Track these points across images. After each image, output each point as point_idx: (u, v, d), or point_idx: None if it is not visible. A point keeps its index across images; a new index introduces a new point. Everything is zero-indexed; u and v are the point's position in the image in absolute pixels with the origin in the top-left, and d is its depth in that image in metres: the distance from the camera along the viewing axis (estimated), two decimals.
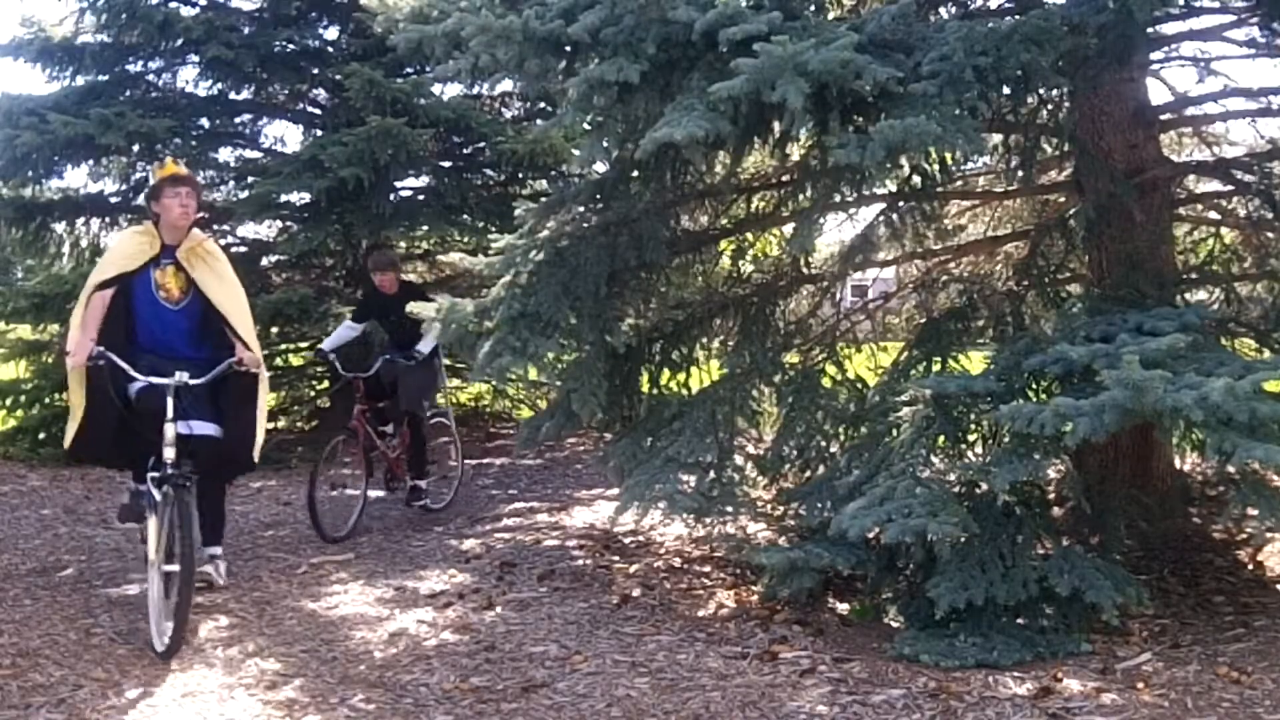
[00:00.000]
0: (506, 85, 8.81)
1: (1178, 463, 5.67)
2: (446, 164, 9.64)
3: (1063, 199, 5.72)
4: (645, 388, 5.59)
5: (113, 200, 9.75)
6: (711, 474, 4.76)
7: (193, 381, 4.27)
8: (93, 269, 4.83)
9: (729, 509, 4.60)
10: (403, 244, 10.12)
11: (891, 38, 4.04)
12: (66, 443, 4.65)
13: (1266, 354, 4.86)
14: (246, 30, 8.97)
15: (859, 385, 5.35)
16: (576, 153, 4.81)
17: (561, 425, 5.17)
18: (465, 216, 9.30)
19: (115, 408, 4.38)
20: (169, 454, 4.19)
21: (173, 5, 8.80)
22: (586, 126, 4.49)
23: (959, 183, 6.02)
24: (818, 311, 6.00)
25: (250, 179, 9.52)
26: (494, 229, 8.77)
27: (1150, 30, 4.35)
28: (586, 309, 4.94)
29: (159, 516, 4.16)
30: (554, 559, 5.41)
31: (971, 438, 4.47)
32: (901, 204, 5.50)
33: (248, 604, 4.71)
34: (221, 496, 4.97)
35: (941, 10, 5.02)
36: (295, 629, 4.37)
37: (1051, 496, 4.90)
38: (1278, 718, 3.20)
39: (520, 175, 9.84)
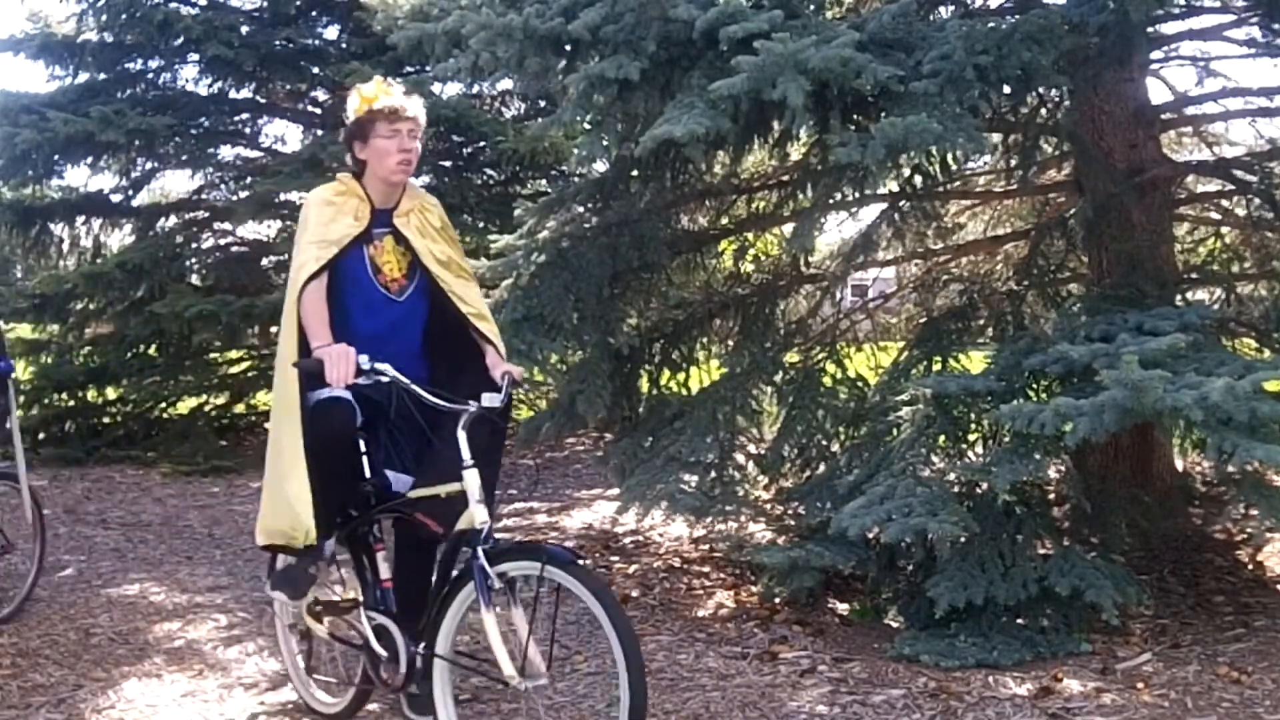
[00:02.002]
0: (507, 84, 8.79)
1: (1178, 462, 5.67)
2: (446, 163, 9.64)
3: (1063, 199, 5.71)
4: (646, 388, 5.59)
5: (113, 199, 9.76)
6: (712, 473, 4.75)
7: (495, 403, 2.89)
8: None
9: (730, 508, 4.60)
10: None
11: (892, 36, 4.03)
12: (298, 527, 2.95)
13: (1267, 354, 4.85)
14: (246, 29, 8.97)
15: (859, 385, 5.35)
16: (577, 151, 4.80)
17: (562, 425, 5.18)
18: (465, 216, 9.31)
19: (356, 452, 3.06)
20: (480, 516, 2.78)
21: (173, 4, 8.81)
22: (586, 125, 4.48)
23: (959, 182, 6.01)
24: (818, 311, 6.00)
25: (250, 178, 9.53)
26: (494, 229, 8.77)
27: (1150, 30, 4.35)
28: (590, 310, 4.94)
29: (492, 610, 2.75)
30: None
31: (972, 437, 4.46)
32: (902, 203, 5.50)
33: (247, 604, 4.71)
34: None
35: (942, 9, 5.01)
36: None
37: (1051, 496, 4.90)
38: (1278, 718, 3.20)
39: (520, 175, 9.85)
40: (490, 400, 2.87)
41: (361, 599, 3.19)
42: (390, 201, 3.20)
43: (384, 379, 2.82)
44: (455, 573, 2.96)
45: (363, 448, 3.08)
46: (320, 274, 3.01)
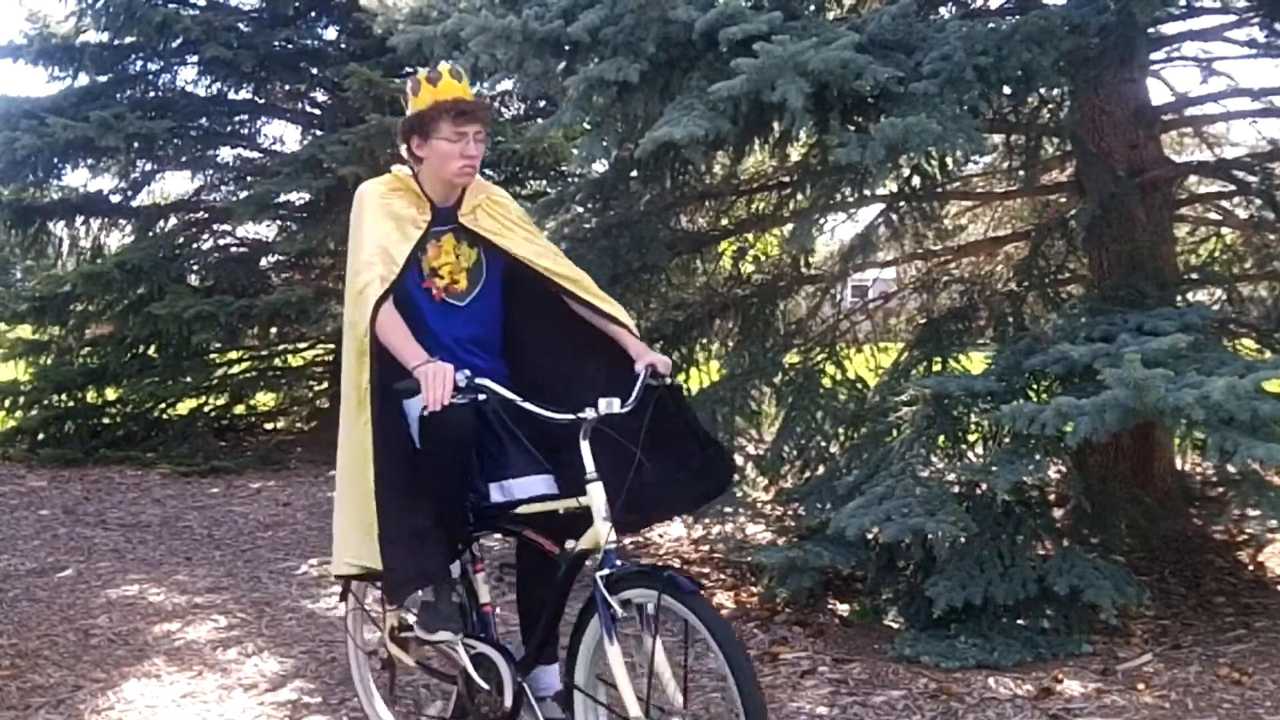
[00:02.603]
0: (506, 85, 8.80)
1: (1179, 462, 5.67)
2: None
3: (1063, 199, 5.71)
4: None
5: (112, 200, 9.76)
6: None
7: (619, 410, 2.59)
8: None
9: (729, 509, 4.60)
10: None
11: (892, 37, 4.03)
12: (371, 560, 2.77)
13: (1268, 354, 4.85)
14: (245, 30, 8.97)
15: (859, 385, 5.34)
16: (576, 152, 4.80)
17: None
18: None
19: (458, 473, 2.78)
20: (604, 533, 2.54)
21: (172, 5, 8.80)
22: (586, 126, 4.48)
23: (959, 183, 6.02)
24: (818, 311, 6.00)
25: (249, 179, 9.52)
26: None
27: (1151, 30, 4.35)
28: None
29: (615, 641, 2.56)
30: None
31: (972, 438, 4.47)
32: (902, 204, 5.49)
33: (247, 605, 4.70)
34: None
35: (942, 10, 5.01)
36: (294, 630, 4.36)
37: (1051, 496, 4.90)
38: (1278, 719, 3.20)
39: (520, 175, 9.84)
40: (608, 407, 2.55)
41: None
42: (452, 198, 2.88)
43: (483, 396, 2.58)
44: (564, 588, 2.74)
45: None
46: (389, 294, 2.70)
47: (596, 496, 2.54)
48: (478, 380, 2.57)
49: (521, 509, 2.78)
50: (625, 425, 2.62)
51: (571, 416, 2.56)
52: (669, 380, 2.74)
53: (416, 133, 2.81)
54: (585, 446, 2.55)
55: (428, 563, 2.79)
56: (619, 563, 2.54)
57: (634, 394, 2.63)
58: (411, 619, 2.93)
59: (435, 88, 2.77)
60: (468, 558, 2.96)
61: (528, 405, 2.59)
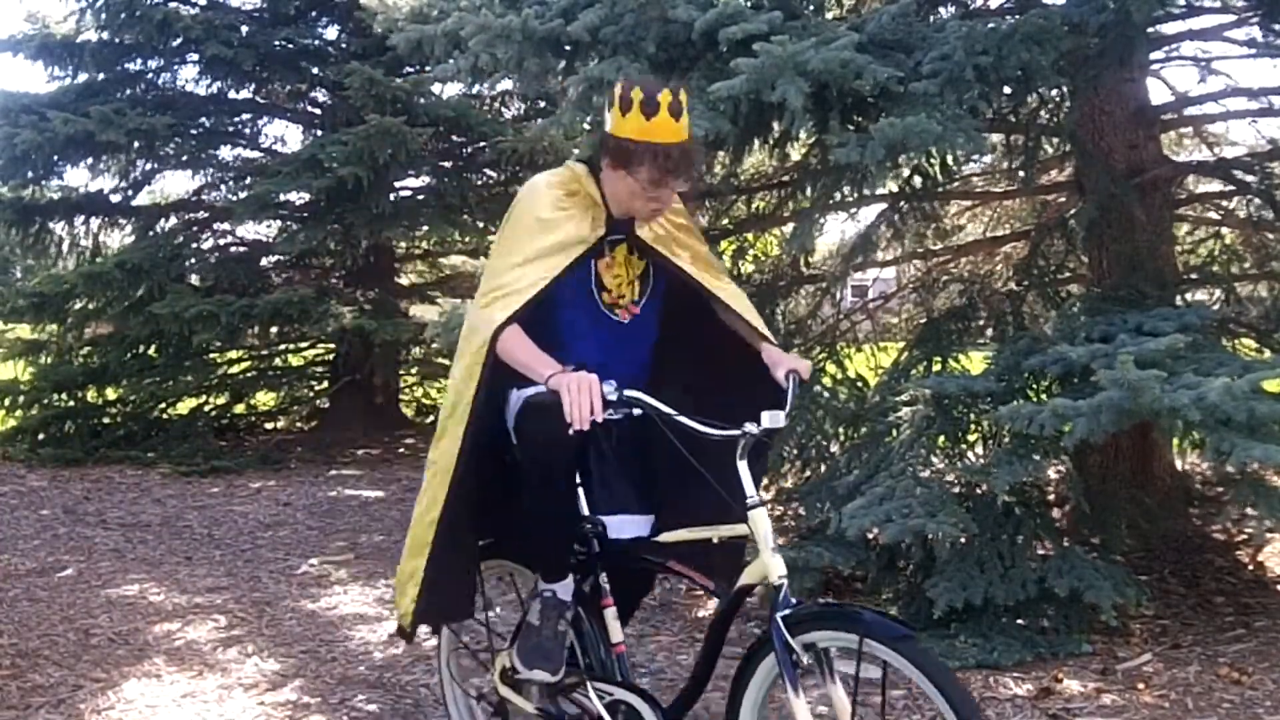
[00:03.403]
0: (506, 84, 8.82)
1: (1178, 463, 5.67)
2: (446, 163, 9.65)
3: (1063, 199, 5.71)
4: None
5: (113, 199, 9.76)
6: None
7: (779, 423, 2.32)
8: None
9: None
10: (402, 244, 10.13)
11: (891, 37, 4.03)
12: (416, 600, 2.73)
13: (1267, 354, 4.85)
14: (246, 29, 8.98)
15: (859, 385, 5.34)
16: (576, 152, 4.80)
17: None
18: (465, 216, 9.32)
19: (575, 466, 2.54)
20: (776, 569, 2.23)
21: (172, 4, 8.81)
22: (586, 126, 4.48)
23: (959, 183, 6.01)
24: (818, 312, 6.00)
25: (250, 178, 9.53)
26: (494, 229, 8.77)
27: (1150, 30, 4.34)
28: None
29: (800, 693, 2.27)
30: None
31: (971, 438, 4.46)
32: (902, 204, 5.49)
33: (247, 605, 4.71)
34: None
35: (941, 10, 5.01)
36: (295, 630, 4.36)
37: (1051, 496, 4.90)
38: (1278, 719, 3.20)
39: (520, 175, 9.84)
40: (773, 420, 2.29)
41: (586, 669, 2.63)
42: (624, 210, 2.58)
43: (637, 411, 2.30)
44: (722, 630, 2.43)
45: (575, 479, 2.57)
46: (516, 318, 2.42)
47: (761, 524, 2.24)
48: (628, 392, 2.26)
49: (665, 536, 2.50)
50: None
51: (734, 431, 2.26)
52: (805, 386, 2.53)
53: (612, 156, 2.46)
54: (744, 468, 2.26)
55: (454, 604, 2.69)
56: (795, 600, 2.22)
57: (788, 402, 2.41)
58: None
59: (647, 123, 2.38)
60: (600, 593, 2.59)
61: (685, 419, 2.27)
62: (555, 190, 2.56)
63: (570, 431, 2.18)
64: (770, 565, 2.23)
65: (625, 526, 2.61)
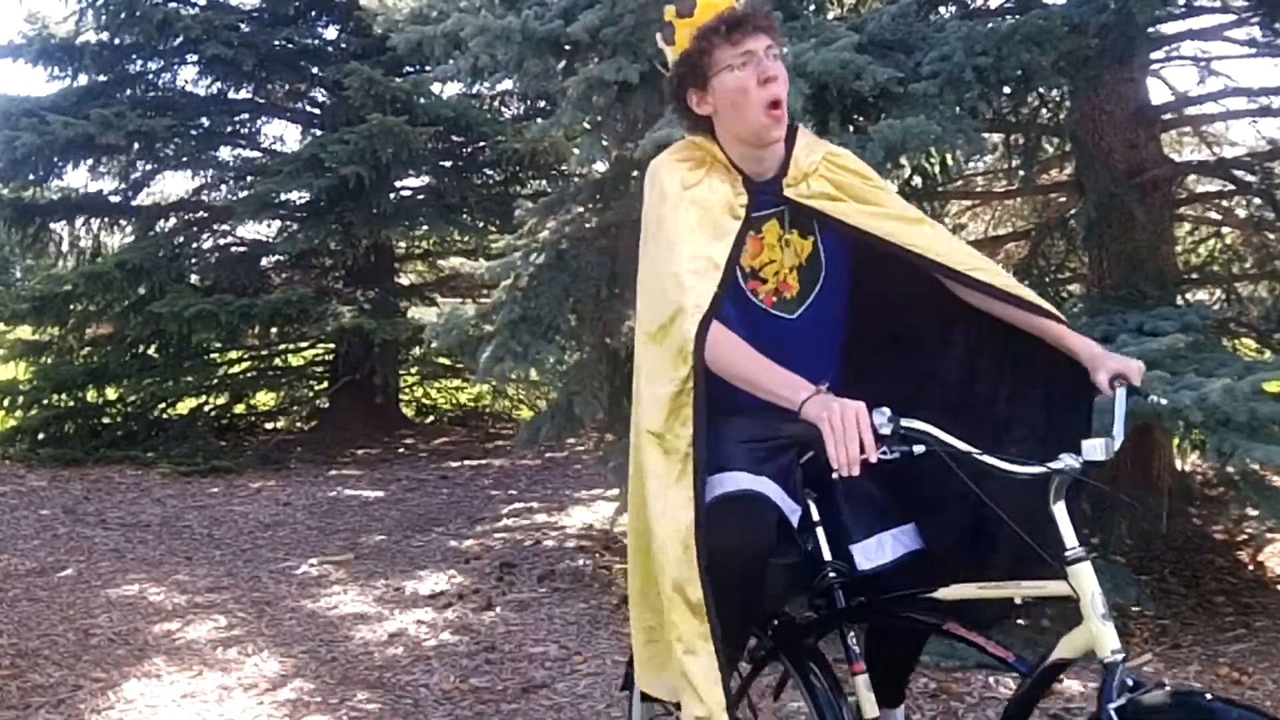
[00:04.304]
0: (506, 84, 8.83)
1: (1179, 463, 5.66)
2: (446, 163, 9.66)
3: (1063, 199, 5.71)
4: None
5: (113, 200, 9.77)
6: None
7: (1101, 455, 1.78)
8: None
9: None
10: (402, 244, 10.13)
11: (891, 38, 4.03)
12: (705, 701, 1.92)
13: (1267, 354, 4.85)
14: (246, 29, 8.98)
15: None
16: (576, 152, 4.80)
17: (562, 427, 5.17)
18: (465, 216, 9.32)
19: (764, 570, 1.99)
20: (1107, 642, 1.80)
21: (172, 4, 8.82)
22: (586, 126, 4.49)
23: (959, 183, 6.01)
24: None
25: (250, 178, 9.53)
26: (494, 229, 8.79)
27: (1151, 30, 4.34)
28: (587, 312, 4.94)
29: None
30: (554, 559, 5.40)
31: None
32: None
33: (247, 604, 4.71)
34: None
35: (941, 10, 5.01)
36: (294, 629, 4.36)
37: None
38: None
39: (520, 175, 9.86)
40: (1098, 450, 1.77)
41: None
42: (769, 167, 2.06)
43: (920, 448, 1.73)
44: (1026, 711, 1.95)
45: (815, 515, 2.07)
46: (714, 313, 1.92)
47: (1086, 582, 1.77)
48: (907, 423, 1.71)
49: (946, 592, 1.95)
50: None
51: (1047, 468, 1.75)
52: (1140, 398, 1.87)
53: (690, 84, 2.03)
54: (1061, 511, 1.78)
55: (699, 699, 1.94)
56: (1131, 681, 1.73)
57: (1118, 425, 1.85)
58: None
59: (691, 17, 2.01)
60: (850, 654, 2.09)
61: (988, 458, 1.75)
62: (681, 166, 2.08)
63: (835, 477, 1.70)
64: (1100, 637, 1.78)
65: (880, 548, 2.07)
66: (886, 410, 1.69)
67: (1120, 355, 1.94)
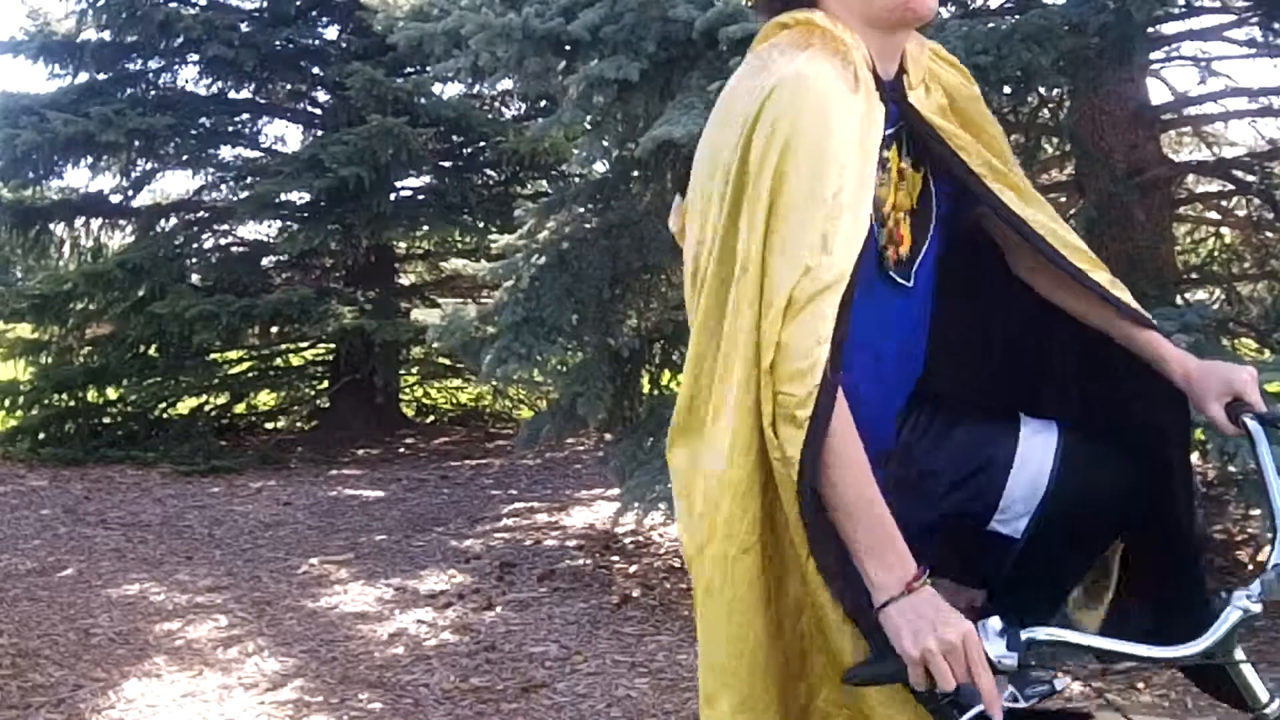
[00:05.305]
0: (507, 84, 8.83)
1: None
2: (447, 163, 9.66)
3: (1063, 199, 5.71)
4: (646, 389, 5.59)
5: (113, 200, 9.77)
6: None
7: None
8: None
9: None
10: (403, 244, 10.14)
11: None
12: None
13: (1267, 354, 4.85)
14: (246, 29, 8.98)
15: None
16: (577, 152, 4.81)
17: (562, 427, 5.18)
18: (466, 216, 9.32)
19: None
20: None
21: (173, 4, 8.81)
22: (586, 125, 4.49)
23: None
24: None
25: (250, 178, 9.53)
26: (494, 229, 8.78)
27: (1150, 30, 4.35)
28: (590, 312, 4.94)
29: None
30: (554, 559, 5.41)
31: None
32: None
33: (247, 604, 4.71)
34: None
35: (942, 10, 5.02)
36: (295, 629, 4.37)
37: None
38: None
39: (520, 175, 9.86)
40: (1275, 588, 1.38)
41: None
42: (893, 60, 1.49)
43: (1047, 681, 1.39)
44: None
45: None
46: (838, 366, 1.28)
47: None
48: (1033, 635, 1.25)
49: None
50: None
51: (1221, 632, 1.42)
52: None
53: None
54: (1249, 671, 1.44)
55: None
56: None
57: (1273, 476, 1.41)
58: None
59: None
60: None
61: (1133, 648, 1.36)
62: (825, 64, 1.38)
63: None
64: None
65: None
66: (997, 623, 1.20)
67: (1231, 368, 1.50)
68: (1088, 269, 1.55)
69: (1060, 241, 1.54)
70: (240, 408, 10.08)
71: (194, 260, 9.60)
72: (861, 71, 1.40)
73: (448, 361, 9.76)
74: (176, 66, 9.44)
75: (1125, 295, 1.56)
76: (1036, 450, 1.57)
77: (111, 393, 9.27)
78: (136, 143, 8.65)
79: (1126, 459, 1.59)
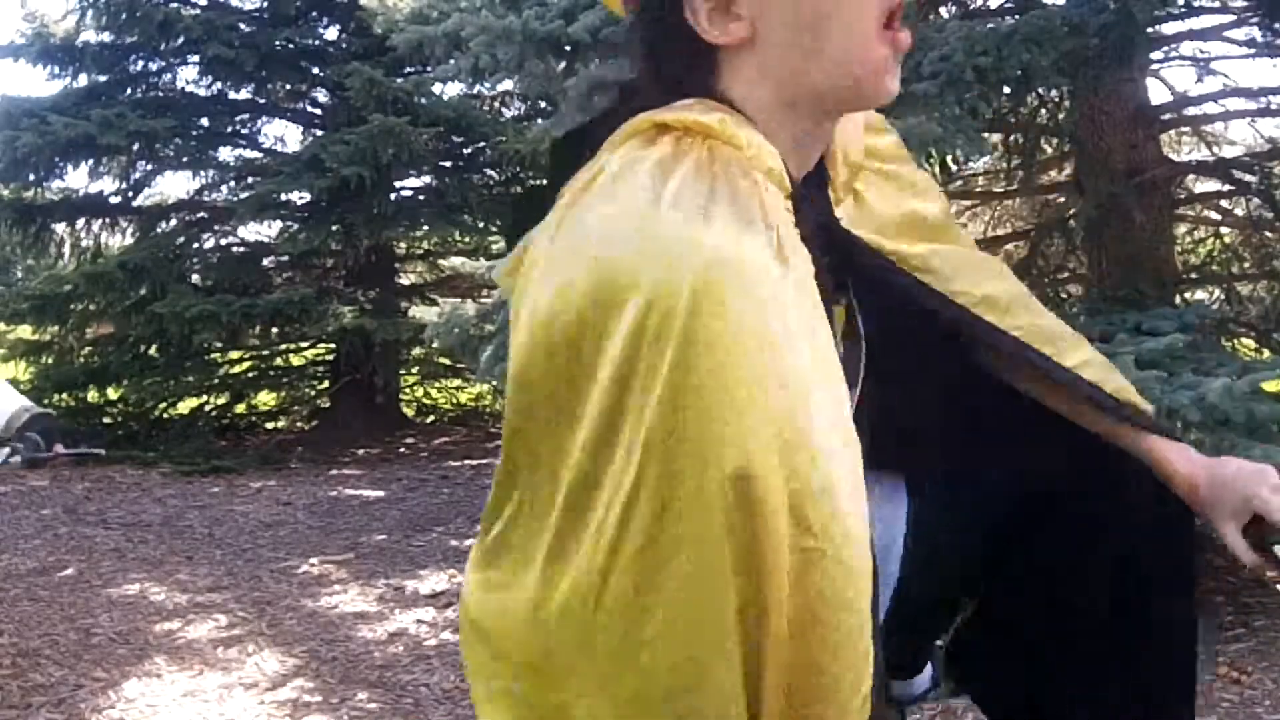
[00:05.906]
0: (507, 85, 8.84)
1: None
2: (447, 164, 9.66)
3: (1062, 199, 5.72)
4: None
5: (113, 200, 9.78)
6: None
7: None
8: None
9: None
10: (403, 244, 10.14)
11: None
12: None
13: (1266, 354, 4.86)
14: (247, 29, 8.98)
15: None
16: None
17: None
18: (466, 216, 9.32)
19: None
20: None
21: (173, 5, 8.82)
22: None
23: (959, 183, 6.02)
24: None
25: (251, 179, 9.54)
26: (495, 229, 8.79)
27: (1150, 30, 4.35)
28: None
29: None
30: None
31: None
32: None
33: (247, 604, 4.71)
34: None
35: (941, 10, 5.02)
36: (295, 629, 4.37)
37: None
38: (1277, 718, 3.20)
39: (521, 175, 9.86)
40: None
41: None
42: (809, 157, 1.09)
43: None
44: None
45: None
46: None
47: None
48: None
49: None
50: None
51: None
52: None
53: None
54: None
55: None
56: None
57: None
58: None
59: None
60: None
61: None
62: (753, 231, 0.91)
63: None
64: None
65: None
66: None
67: (1242, 468, 1.21)
68: (1095, 379, 1.27)
69: (1053, 346, 1.26)
70: (240, 408, 10.08)
71: (194, 260, 9.60)
72: (778, 214, 0.93)
73: (448, 361, 9.77)
74: (176, 67, 9.45)
75: (1130, 394, 1.30)
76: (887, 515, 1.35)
77: (112, 393, 9.28)
78: (137, 144, 8.65)
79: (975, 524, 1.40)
